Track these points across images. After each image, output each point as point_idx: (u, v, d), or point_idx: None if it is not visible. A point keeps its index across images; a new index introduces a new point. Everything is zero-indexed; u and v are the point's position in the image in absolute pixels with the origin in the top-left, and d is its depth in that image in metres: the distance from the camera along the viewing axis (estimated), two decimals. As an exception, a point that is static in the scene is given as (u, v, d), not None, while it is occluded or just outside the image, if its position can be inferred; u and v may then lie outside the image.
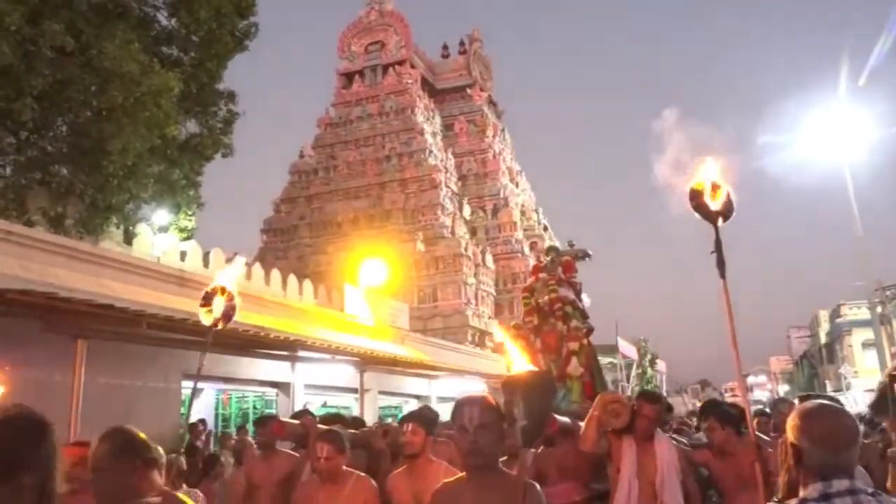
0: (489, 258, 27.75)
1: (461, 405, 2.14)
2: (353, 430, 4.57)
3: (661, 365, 33.54)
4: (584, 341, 6.89)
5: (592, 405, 4.12)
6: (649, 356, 30.44)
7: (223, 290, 4.18)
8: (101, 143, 10.48)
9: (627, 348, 25.36)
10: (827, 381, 37.72)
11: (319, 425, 4.40)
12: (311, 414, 5.27)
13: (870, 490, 1.63)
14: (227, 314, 4.15)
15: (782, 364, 59.12)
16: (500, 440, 2.13)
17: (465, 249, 25.97)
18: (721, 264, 3.15)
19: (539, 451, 4.16)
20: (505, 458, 2.67)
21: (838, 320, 36.62)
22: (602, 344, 25.27)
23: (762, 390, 58.76)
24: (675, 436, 4.72)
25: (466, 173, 30.58)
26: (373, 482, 3.42)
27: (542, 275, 7.34)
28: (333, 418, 5.30)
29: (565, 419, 4.29)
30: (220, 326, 4.18)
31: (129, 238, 12.62)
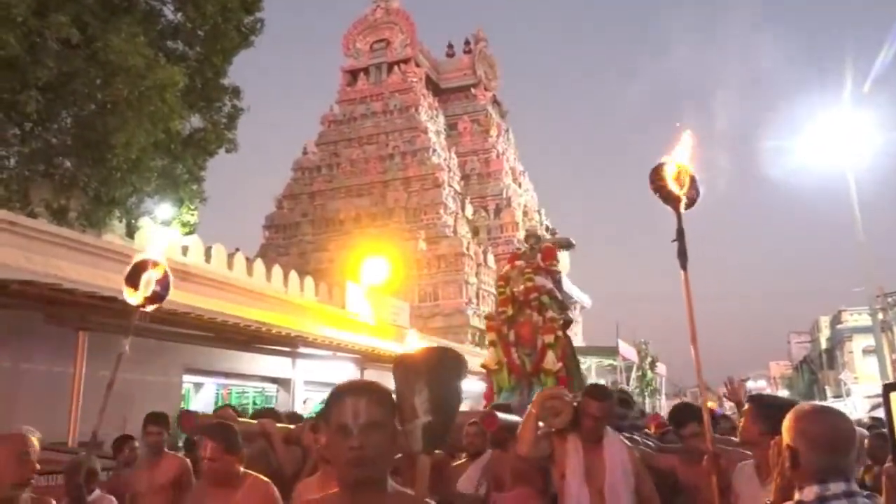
0: (491, 258, 27.74)
1: (341, 394, 1.51)
2: (288, 426, 3.95)
3: (661, 368, 33.49)
4: (560, 333, 6.38)
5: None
6: (650, 359, 30.38)
7: (154, 265, 3.53)
8: (106, 137, 10.49)
9: (628, 350, 25.32)
10: (827, 387, 37.69)
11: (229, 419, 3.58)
12: (275, 413, 4.71)
13: (865, 493, 1.60)
14: (160, 294, 3.54)
15: (782, 369, 59.06)
16: (392, 445, 1.52)
17: (467, 249, 25.97)
18: (682, 254, 2.86)
19: (492, 454, 3.81)
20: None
21: (839, 326, 36.58)
22: (602, 346, 25.24)
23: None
24: (647, 439, 4.33)
25: (469, 173, 30.57)
26: (271, 487, 2.86)
27: (518, 262, 6.81)
28: (267, 412, 4.66)
29: (514, 417, 3.94)
30: (148, 308, 3.57)
31: (131, 232, 12.63)
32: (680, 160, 2.96)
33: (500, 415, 3.88)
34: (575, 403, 3.37)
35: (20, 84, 9.81)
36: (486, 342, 6.88)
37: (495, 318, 6.80)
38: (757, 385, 63.25)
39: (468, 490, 3.80)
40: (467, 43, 34.94)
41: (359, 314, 15.43)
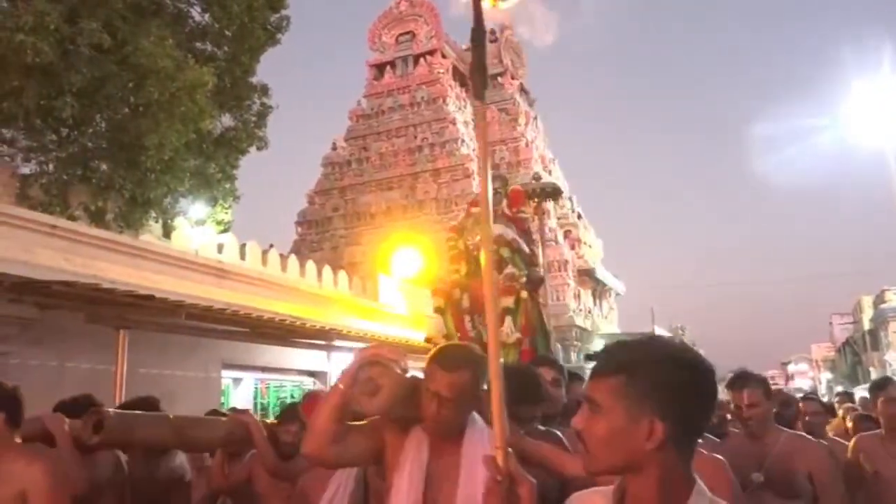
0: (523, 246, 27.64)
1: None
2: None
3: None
4: (523, 294, 5.13)
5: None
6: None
7: None
8: (139, 139, 10.67)
9: (665, 336, 25.11)
10: (871, 368, 36.89)
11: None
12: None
13: None
14: None
15: (824, 351, 57.95)
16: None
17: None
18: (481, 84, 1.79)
19: None
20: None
21: (882, 306, 35.77)
22: (638, 332, 25.05)
23: (804, 378, 57.69)
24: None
25: (499, 162, 30.45)
26: (49, 466, 2.33)
27: (476, 209, 5.54)
28: (290, 410, 3.76)
29: None
30: None
31: (167, 231, 12.85)
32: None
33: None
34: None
35: (56, 90, 10.03)
36: (433, 309, 5.62)
37: (444, 280, 5.63)
38: (798, 368, 62.14)
39: None
40: (493, 32, 34.72)
41: (392, 306, 15.51)
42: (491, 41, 34.60)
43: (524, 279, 5.21)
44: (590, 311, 30.51)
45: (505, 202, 5.47)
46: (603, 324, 31.24)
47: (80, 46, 10.01)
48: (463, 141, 28.32)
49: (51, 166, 11.50)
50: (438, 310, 5.36)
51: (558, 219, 30.49)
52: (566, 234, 30.11)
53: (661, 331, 24.04)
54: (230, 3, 12.34)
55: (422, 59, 30.78)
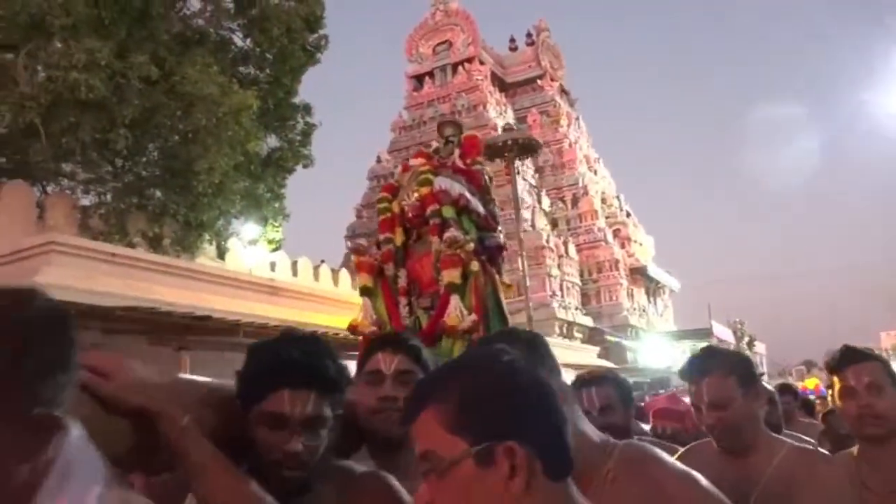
0: (572, 248, 27.43)
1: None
2: None
3: (760, 347, 32.28)
4: (473, 266, 3.89)
5: None
6: (747, 338, 29.33)
7: None
8: (190, 165, 10.99)
9: (723, 332, 24.52)
10: (946, 355, 35.34)
11: None
12: None
13: None
14: None
15: (893, 339, 55.77)
16: None
17: (547, 241, 25.76)
18: None
19: None
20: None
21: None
22: (695, 328, 24.56)
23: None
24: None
25: (543, 165, 30.32)
26: None
27: (415, 162, 4.40)
28: None
29: None
30: None
31: (221, 253, 13.19)
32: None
33: None
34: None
35: (109, 123, 10.40)
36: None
37: (366, 250, 4.40)
38: (867, 358, 59.85)
39: None
40: (529, 35, 34.67)
41: (444, 315, 15.56)
42: (528, 44, 34.54)
43: (471, 246, 3.90)
44: (644, 310, 30.06)
45: (457, 152, 4.38)
46: (658, 322, 30.73)
47: (130, 80, 10.37)
48: (505, 146, 28.28)
49: (108, 196, 11.93)
50: (366, 290, 4.19)
51: (607, 218, 30.17)
52: (615, 233, 29.77)
53: (718, 326, 23.50)
54: (270, 26, 12.63)
55: (460, 68, 30.91)
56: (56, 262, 7.50)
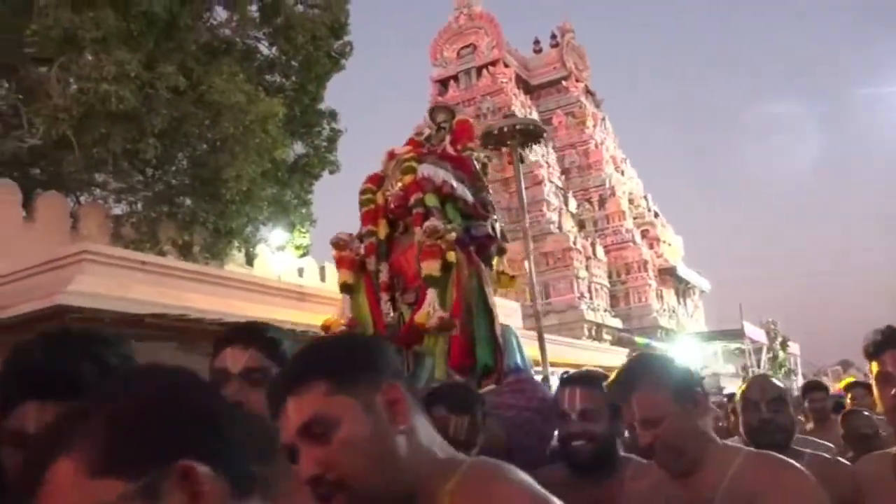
0: (600, 250, 27.24)
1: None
2: None
3: (794, 347, 31.72)
4: (454, 256, 3.49)
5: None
6: (780, 338, 28.84)
7: None
8: (218, 173, 11.13)
9: (755, 332, 24.13)
10: None
11: None
12: None
13: None
14: None
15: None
16: None
17: (574, 243, 25.62)
18: None
19: None
20: None
21: None
22: (727, 329, 24.20)
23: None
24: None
25: (569, 166, 30.18)
26: None
27: (402, 149, 4.10)
28: None
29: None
30: None
31: (250, 259, 13.33)
32: None
33: None
34: None
35: (139, 133, 10.59)
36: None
37: (348, 244, 3.96)
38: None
39: None
40: (553, 37, 34.55)
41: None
42: (552, 46, 34.41)
43: (453, 235, 3.49)
44: (674, 311, 29.74)
45: (448, 138, 4.08)
46: (689, 323, 30.37)
47: (158, 90, 10.53)
48: (531, 148, 28.17)
49: (139, 205, 12.13)
50: (346, 287, 3.93)
51: (634, 218, 29.92)
52: (643, 234, 29.51)
53: (750, 327, 23.16)
54: (295, 34, 12.75)
55: (484, 71, 30.91)
56: (89, 271, 7.62)
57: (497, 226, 3.90)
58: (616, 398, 1.78)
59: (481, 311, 3.52)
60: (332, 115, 14.47)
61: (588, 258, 26.28)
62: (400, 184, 3.79)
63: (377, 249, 3.88)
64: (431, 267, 3.45)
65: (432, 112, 4.31)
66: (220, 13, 12.96)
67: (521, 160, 5.83)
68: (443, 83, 31.84)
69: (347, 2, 13.81)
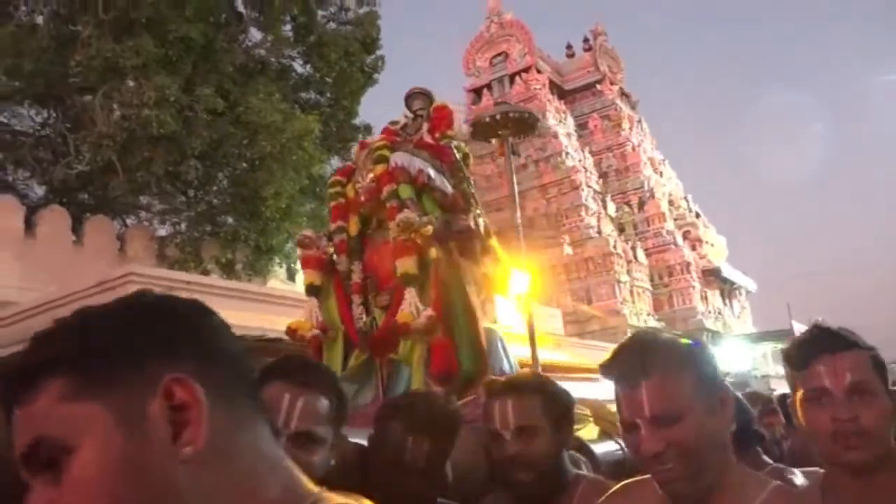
0: (641, 253, 26.91)
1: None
2: None
3: (847, 346, 30.88)
4: (433, 253, 3.18)
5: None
6: (832, 338, 28.08)
7: None
8: (257, 191, 11.35)
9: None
10: None
11: None
12: None
13: None
14: None
15: None
16: None
17: (615, 247, 25.36)
18: None
19: None
20: None
21: None
22: (775, 329, 23.63)
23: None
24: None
25: (607, 170, 29.91)
26: None
27: (373, 140, 3.83)
28: None
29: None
30: None
31: (291, 275, 13.53)
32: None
33: None
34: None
35: (180, 156, 10.86)
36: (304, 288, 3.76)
37: (315, 243, 3.67)
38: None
39: None
40: (586, 40, 34.38)
41: (511, 326, 15.49)
42: (585, 50, 34.24)
43: (429, 229, 3.16)
44: (720, 313, 29.17)
45: (426, 126, 3.75)
46: (736, 324, 29.75)
47: (197, 112, 10.80)
48: (567, 153, 28.05)
49: (183, 226, 12.44)
50: (312, 289, 3.57)
51: (675, 220, 29.48)
52: (685, 235, 29.05)
53: (799, 326, 22.58)
54: (328, 51, 12.95)
55: (517, 78, 30.89)
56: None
57: (481, 220, 3.57)
58: (624, 382, 1.20)
59: (463, 311, 3.18)
60: (367, 130, 14.62)
61: (629, 262, 25.98)
62: (371, 175, 3.47)
63: (348, 247, 3.56)
64: (407, 264, 3.14)
65: (408, 98, 3.93)
66: (255, 34, 13.25)
67: (514, 152, 5.38)
68: (476, 92, 31.91)
69: (378, 17, 13.98)
